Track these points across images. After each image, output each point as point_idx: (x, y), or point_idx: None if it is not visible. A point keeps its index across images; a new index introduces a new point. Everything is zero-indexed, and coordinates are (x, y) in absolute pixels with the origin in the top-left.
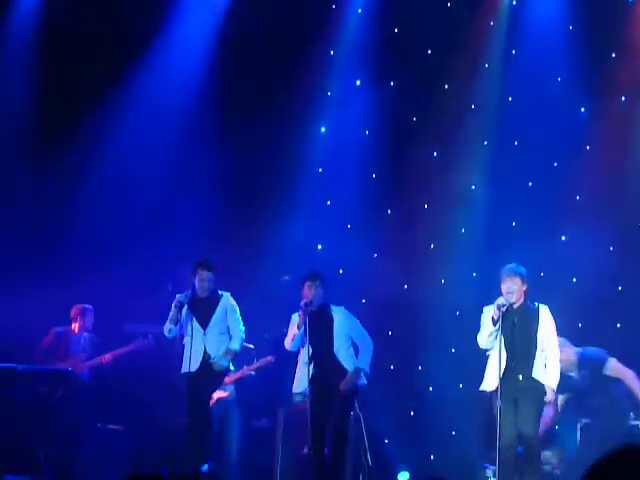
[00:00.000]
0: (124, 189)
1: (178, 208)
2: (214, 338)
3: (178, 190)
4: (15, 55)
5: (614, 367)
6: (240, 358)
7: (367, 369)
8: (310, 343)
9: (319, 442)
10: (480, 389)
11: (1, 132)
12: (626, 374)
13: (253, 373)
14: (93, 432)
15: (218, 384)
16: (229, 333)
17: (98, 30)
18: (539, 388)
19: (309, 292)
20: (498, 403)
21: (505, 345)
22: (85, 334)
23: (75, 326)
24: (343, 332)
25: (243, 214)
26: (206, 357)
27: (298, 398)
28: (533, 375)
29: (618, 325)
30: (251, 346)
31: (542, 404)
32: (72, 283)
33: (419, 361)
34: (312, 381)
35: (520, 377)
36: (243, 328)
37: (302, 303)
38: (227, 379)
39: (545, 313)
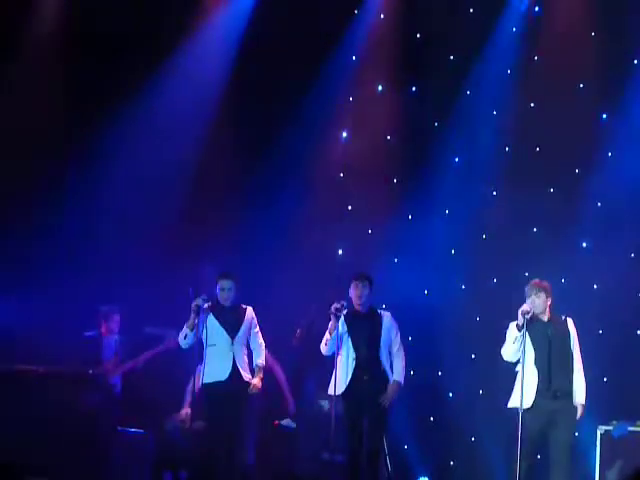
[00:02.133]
0: (145, 191)
1: (198, 210)
2: (240, 349)
3: (198, 192)
4: (38, 55)
5: None
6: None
7: (402, 383)
8: (355, 347)
9: (357, 452)
10: (510, 405)
11: (23, 133)
12: None
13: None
14: (116, 436)
15: (245, 395)
16: (249, 347)
17: (120, 31)
18: (573, 408)
19: (356, 292)
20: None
21: (540, 360)
22: (115, 337)
23: (104, 329)
24: (388, 338)
25: (263, 218)
26: (235, 366)
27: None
28: (572, 390)
29: (639, 332)
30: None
31: (575, 426)
32: (93, 285)
33: (439, 367)
34: (351, 386)
35: (558, 394)
36: (263, 342)
37: (333, 308)
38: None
39: (572, 325)
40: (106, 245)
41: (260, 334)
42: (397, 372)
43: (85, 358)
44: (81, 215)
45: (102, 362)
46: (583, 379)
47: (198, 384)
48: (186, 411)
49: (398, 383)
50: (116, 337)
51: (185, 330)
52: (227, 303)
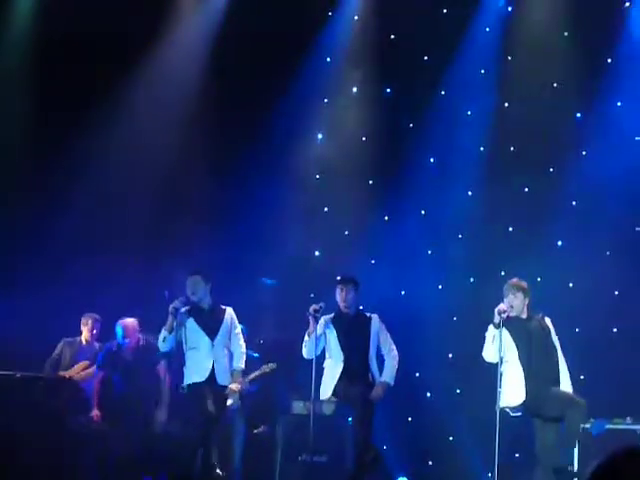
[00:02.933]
0: (122, 197)
1: (172, 215)
2: (220, 351)
3: (172, 196)
4: (14, 58)
5: None
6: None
7: (392, 384)
8: (343, 349)
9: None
10: (503, 406)
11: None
12: None
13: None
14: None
15: (224, 399)
16: (229, 349)
17: (96, 32)
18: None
19: (341, 296)
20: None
21: (524, 355)
22: (96, 344)
23: (85, 336)
24: (377, 340)
25: (239, 220)
26: (214, 369)
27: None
28: (561, 385)
29: (614, 330)
30: (255, 354)
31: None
32: (67, 291)
33: (417, 367)
34: (338, 390)
35: (546, 389)
36: (244, 344)
37: (311, 309)
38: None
39: (550, 323)
40: (80, 252)
41: (241, 336)
42: (387, 373)
43: (59, 363)
44: (53, 219)
45: (71, 367)
46: (567, 370)
47: (167, 386)
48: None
49: (387, 383)
50: (95, 344)
51: (164, 333)
52: (195, 298)
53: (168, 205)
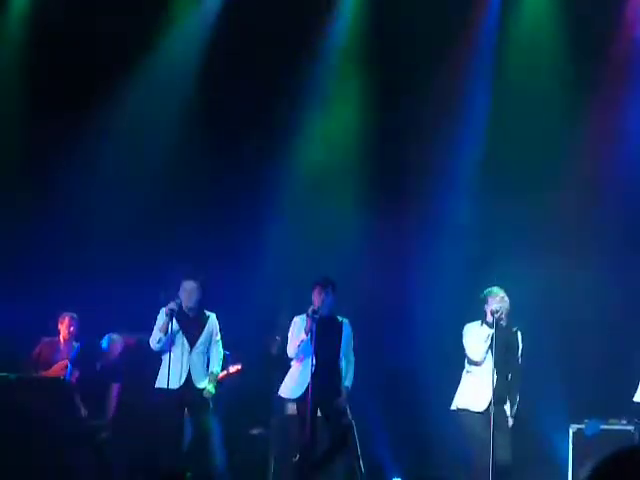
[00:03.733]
0: (115, 198)
1: (168, 216)
2: (197, 358)
3: (167, 196)
4: (10, 58)
5: None
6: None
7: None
8: (315, 352)
9: (311, 450)
10: (462, 407)
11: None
12: None
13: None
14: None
15: (201, 402)
16: (207, 354)
17: (94, 31)
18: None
19: (318, 298)
20: (492, 426)
21: (497, 366)
22: (74, 343)
23: (63, 335)
24: (347, 344)
25: (233, 222)
26: (189, 376)
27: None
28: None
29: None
30: (226, 352)
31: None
32: (60, 291)
33: (414, 369)
34: (308, 390)
35: (507, 399)
36: (222, 350)
37: (310, 310)
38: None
39: (520, 338)
40: (71, 250)
41: (220, 343)
42: (349, 377)
43: (39, 363)
44: (45, 220)
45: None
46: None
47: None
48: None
49: (347, 387)
50: (74, 343)
51: (159, 334)
52: (190, 304)
53: (165, 204)
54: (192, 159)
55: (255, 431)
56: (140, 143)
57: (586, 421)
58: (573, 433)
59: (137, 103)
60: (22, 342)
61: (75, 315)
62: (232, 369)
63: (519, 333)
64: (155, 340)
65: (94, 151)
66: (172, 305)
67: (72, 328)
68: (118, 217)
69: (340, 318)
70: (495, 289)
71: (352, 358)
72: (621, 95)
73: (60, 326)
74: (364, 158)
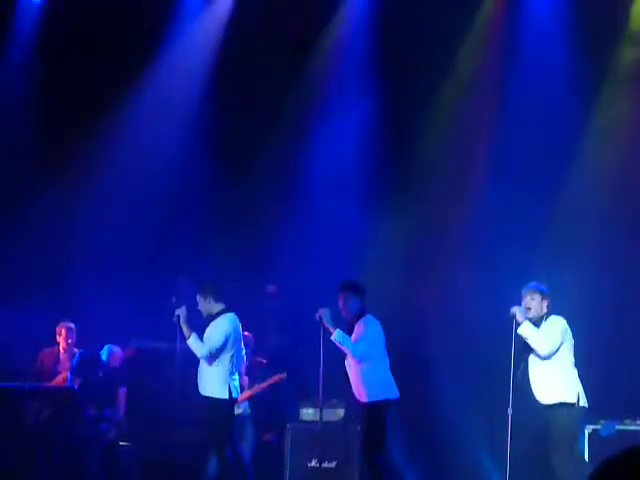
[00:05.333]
0: (125, 203)
1: (177, 218)
2: (204, 362)
3: (176, 203)
4: (19, 57)
5: None
6: (253, 374)
7: None
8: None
9: None
10: (562, 401)
11: (6, 141)
12: None
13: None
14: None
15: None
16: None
17: (103, 33)
18: None
19: (339, 303)
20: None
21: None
22: (75, 350)
23: (62, 345)
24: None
25: (244, 224)
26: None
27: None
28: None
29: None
30: (264, 361)
31: None
32: (75, 300)
33: (430, 373)
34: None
35: None
36: (216, 345)
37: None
38: (241, 396)
39: None
40: (85, 259)
41: (217, 335)
42: None
43: (42, 374)
44: (55, 227)
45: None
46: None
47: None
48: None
49: None
50: (75, 351)
51: (195, 342)
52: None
53: (175, 210)
54: (201, 162)
55: (268, 437)
56: (150, 150)
57: (601, 422)
58: (588, 434)
59: (145, 110)
60: (23, 352)
61: (72, 325)
62: (275, 378)
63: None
64: (199, 346)
65: (101, 162)
66: (178, 311)
67: (70, 340)
68: (125, 226)
69: (365, 318)
70: (525, 288)
71: None
72: None
73: (58, 338)
74: (380, 159)
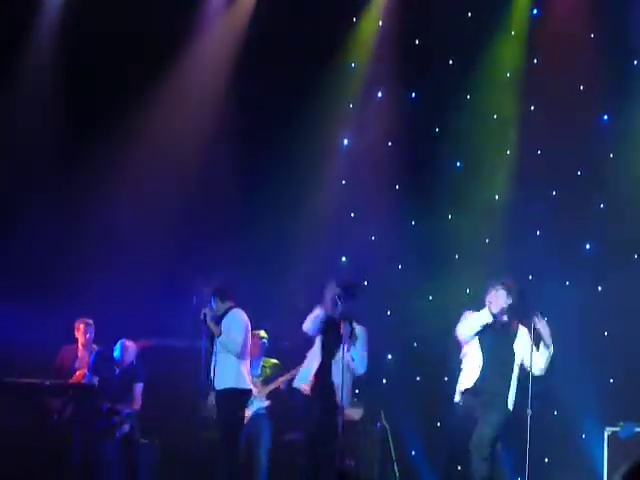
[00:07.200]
0: (142, 205)
1: (198, 220)
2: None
3: (197, 201)
4: (40, 60)
5: None
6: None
7: None
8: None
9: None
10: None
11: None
12: None
13: (282, 386)
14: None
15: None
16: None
17: (126, 33)
18: None
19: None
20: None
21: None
22: (94, 346)
23: (81, 342)
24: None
25: (265, 227)
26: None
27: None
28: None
29: None
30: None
31: None
32: (93, 299)
33: (445, 372)
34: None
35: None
36: (241, 339)
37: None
38: (259, 391)
39: (526, 333)
40: (107, 259)
41: (236, 331)
42: None
43: (63, 371)
44: (72, 229)
45: (73, 373)
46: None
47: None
48: None
49: None
50: (93, 348)
51: (227, 339)
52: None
53: (194, 208)
54: (221, 162)
55: (289, 436)
56: (167, 149)
57: (621, 424)
58: (608, 436)
59: (167, 111)
60: (44, 349)
61: (90, 321)
62: (293, 372)
63: (521, 327)
64: (230, 341)
65: (120, 164)
66: (208, 310)
67: (88, 335)
68: (144, 226)
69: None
70: (494, 282)
71: None
72: None
73: (77, 333)
74: (396, 160)
